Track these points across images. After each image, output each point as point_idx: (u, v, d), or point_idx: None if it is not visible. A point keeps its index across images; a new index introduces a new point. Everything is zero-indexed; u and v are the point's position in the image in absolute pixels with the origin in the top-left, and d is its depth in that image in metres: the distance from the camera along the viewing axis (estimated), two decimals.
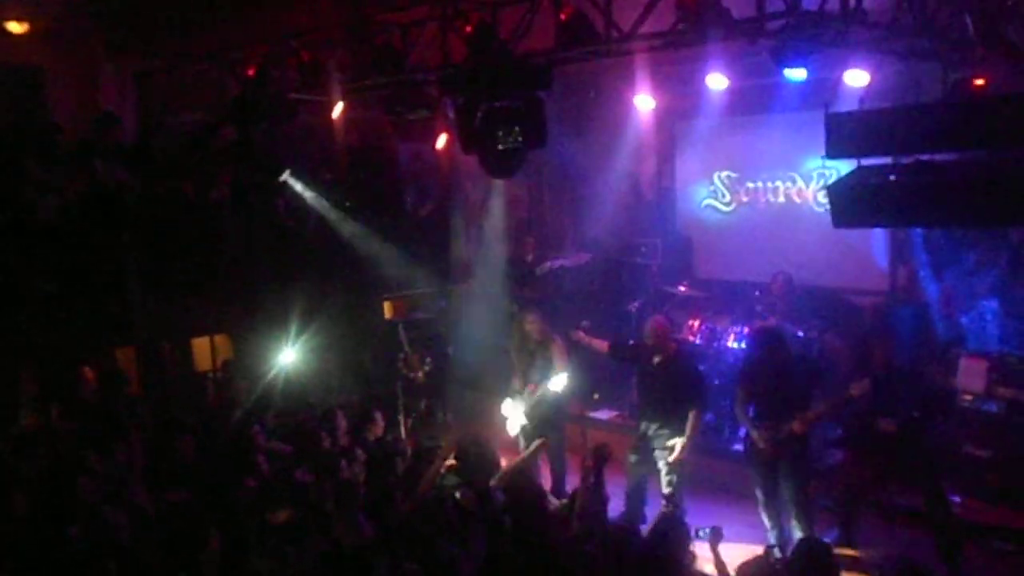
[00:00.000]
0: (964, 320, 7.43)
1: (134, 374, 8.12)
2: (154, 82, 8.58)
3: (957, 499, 6.43)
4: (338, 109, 7.20)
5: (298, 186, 8.86)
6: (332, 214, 9.18)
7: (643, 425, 6.48)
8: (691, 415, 6.19)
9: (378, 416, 7.01)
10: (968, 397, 6.82)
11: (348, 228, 9.34)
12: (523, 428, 7.01)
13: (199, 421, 6.96)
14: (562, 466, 7.18)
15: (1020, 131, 4.96)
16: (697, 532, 4.65)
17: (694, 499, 6.56)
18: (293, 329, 8.25)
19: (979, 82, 5.25)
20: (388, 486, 5.83)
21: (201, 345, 9.04)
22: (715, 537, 4.65)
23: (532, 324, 6.99)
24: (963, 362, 6.90)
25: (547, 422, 6.92)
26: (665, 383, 6.34)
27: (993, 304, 7.31)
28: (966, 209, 4.94)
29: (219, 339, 9.10)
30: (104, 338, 7.79)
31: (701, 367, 8.07)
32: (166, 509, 5.20)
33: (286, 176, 8.23)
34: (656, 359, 6.40)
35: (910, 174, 5.16)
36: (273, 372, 8.27)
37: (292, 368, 8.13)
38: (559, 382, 6.69)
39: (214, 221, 8.66)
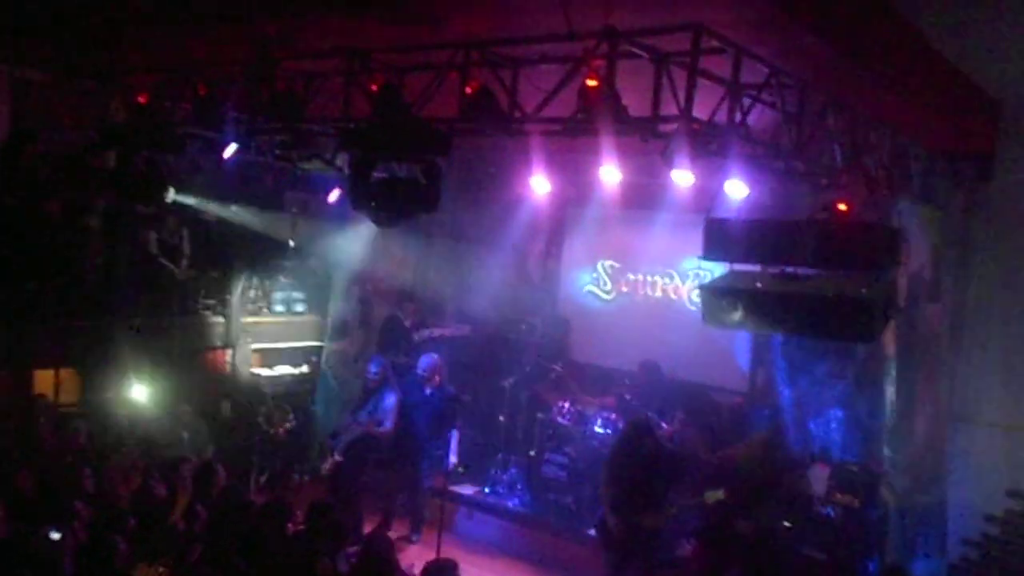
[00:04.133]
0: (811, 426, 7.87)
1: None
2: (33, 92, 8.10)
3: None
4: (231, 150, 7.01)
5: (189, 200, 8.53)
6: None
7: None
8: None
9: (219, 469, 6.66)
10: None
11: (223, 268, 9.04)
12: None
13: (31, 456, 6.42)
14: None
15: (871, 256, 5.41)
16: None
17: None
18: (147, 370, 7.80)
19: (842, 207, 5.69)
20: (228, 542, 5.49)
21: (44, 378, 8.37)
22: None
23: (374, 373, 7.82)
24: (817, 467, 7.26)
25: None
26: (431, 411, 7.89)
27: (839, 413, 7.80)
28: (819, 322, 5.29)
29: (64, 373, 8.47)
30: None
31: (567, 449, 8.21)
32: None
33: (171, 196, 7.88)
34: (427, 390, 7.94)
35: (775, 283, 5.50)
36: (120, 414, 7.77)
37: (141, 411, 7.65)
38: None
39: (77, 247, 8.18)
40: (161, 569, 5.20)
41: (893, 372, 7.25)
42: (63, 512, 5.46)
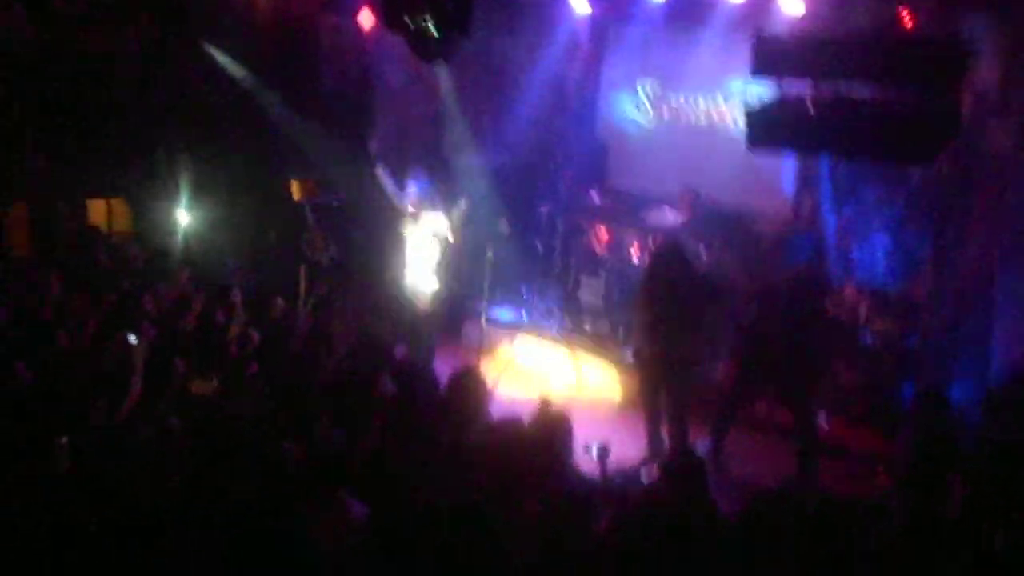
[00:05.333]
0: (855, 255, 7.76)
1: (25, 233, 7.64)
2: None
3: (823, 423, 6.82)
4: None
5: (216, 54, 8.29)
6: (249, 84, 8.65)
7: None
8: None
9: (278, 300, 6.87)
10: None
11: (263, 101, 8.85)
12: None
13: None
14: None
15: (935, 71, 5.07)
16: (586, 448, 4.75)
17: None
18: (191, 199, 7.90)
19: (907, 19, 5.28)
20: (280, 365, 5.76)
21: (97, 207, 8.55)
22: (603, 454, 4.77)
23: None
24: (847, 292, 7.23)
25: None
26: None
27: (885, 240, 7.64)
28: (874, 142, 5.06)
29: (116, 203, 8.63)
30: None
31: (603, 275, 8.19)
32: None
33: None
34: None
35: (826, 103, 5.22)
36: (170, 240, 7.96)
37: (190, 238, 7.83)
38: None
39: (118, 80, 8.04)
40: (215, 382, 5.48)
41: (948, 197, 6.99)
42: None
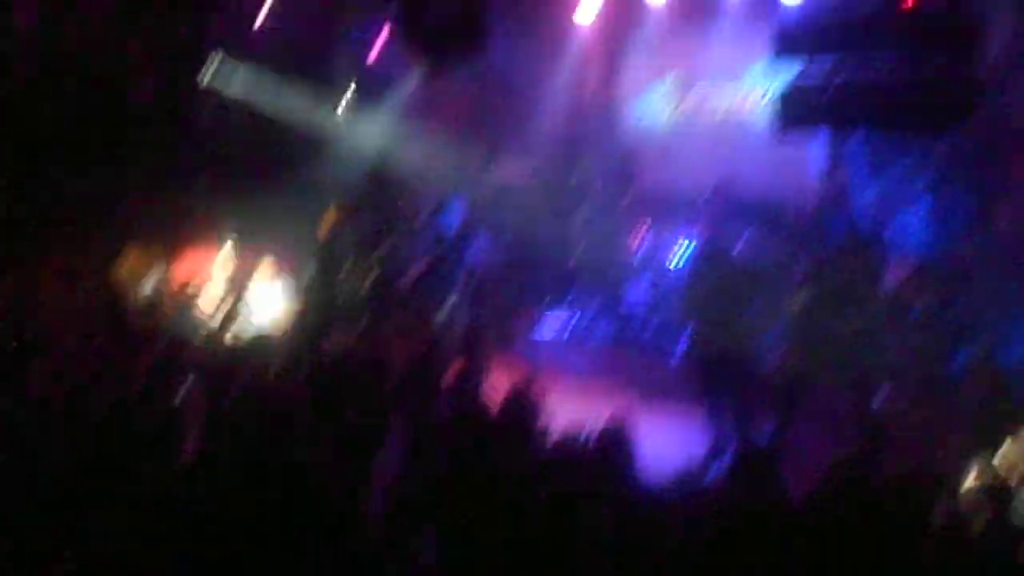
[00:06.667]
0: (892, 229, 7.67)
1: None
2: None
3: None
4: None
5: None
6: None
7: None
8: None
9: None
10: None
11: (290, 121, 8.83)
12: None
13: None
14: None
15: (949, 42, 5.06)
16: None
17: (641, 402, 6.72)
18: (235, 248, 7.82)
19: None
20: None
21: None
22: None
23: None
24: (890, 265, 7.15)
25: None
26: None
27: (920, 210, 7.56)
28: (905, 111, 5.05)
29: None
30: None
31: (646, 277, 8.14)
32: None
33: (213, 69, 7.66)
34: None
35: (853, 79, 5.22)
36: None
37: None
38: None
39: (130, 129, 7.96)
40: None
41: (982, 161, 6.91)
42: None
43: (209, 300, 7.64)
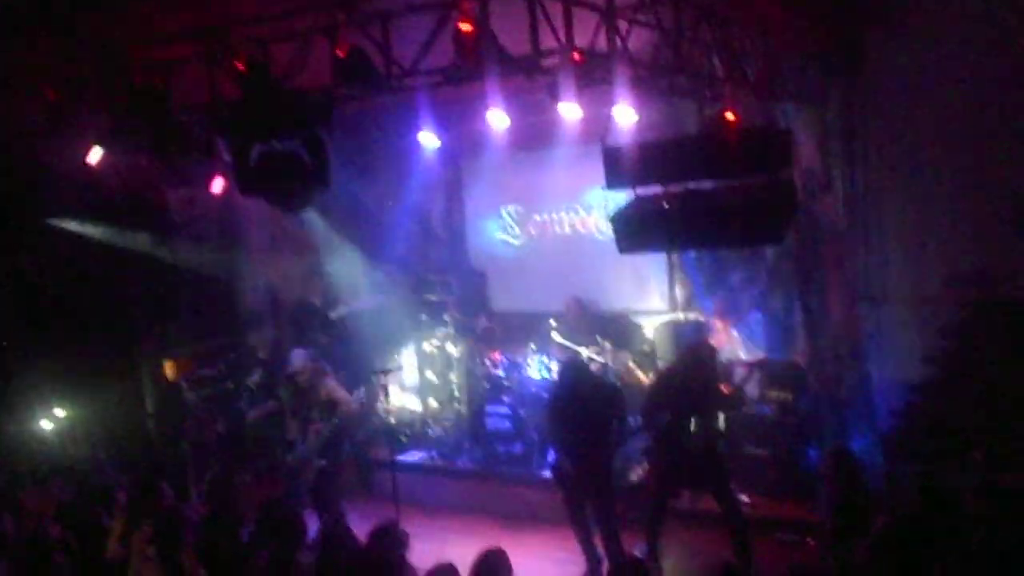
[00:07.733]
0: (736, 332, 8.11)
1: None
2: None
3: (744, 498, 6.91)
4: (95, 154, 6.51)
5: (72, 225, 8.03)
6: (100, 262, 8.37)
7: None
8: None
9: (164, 487, 6.39)
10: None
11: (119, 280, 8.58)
12: None
13: None
14: None
15: (764, 159, 5.54)
16: None
17: (508, 529, 6.64)
18: (50, 398, 7.38)
19: (730, 116, 5.75)
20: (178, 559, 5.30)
21: None
22: None
23: (299, 370, 7.04)
24: (738, 370, 7.49)
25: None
26: None
27: (758, 315, 8.06)
28: (728, 231, 5.41)
29: None
30: None
31: (506, 398, 8.19)
32: None
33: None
34: None
35: (679, 202, 5.57)
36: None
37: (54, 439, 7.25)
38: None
39: None
40: None
41: (803, 268, 7.50)
42: None
43: None
